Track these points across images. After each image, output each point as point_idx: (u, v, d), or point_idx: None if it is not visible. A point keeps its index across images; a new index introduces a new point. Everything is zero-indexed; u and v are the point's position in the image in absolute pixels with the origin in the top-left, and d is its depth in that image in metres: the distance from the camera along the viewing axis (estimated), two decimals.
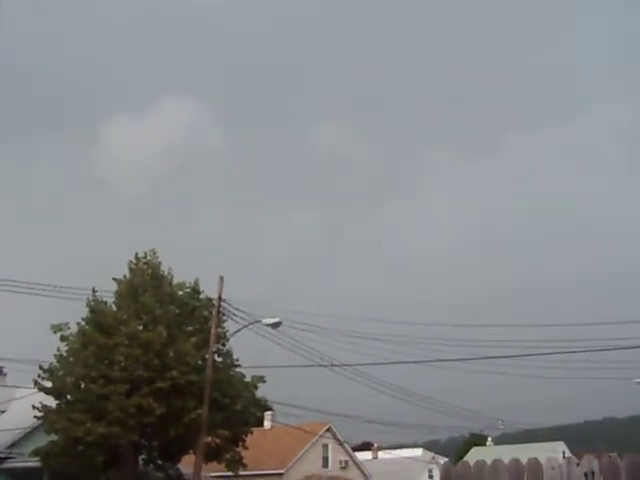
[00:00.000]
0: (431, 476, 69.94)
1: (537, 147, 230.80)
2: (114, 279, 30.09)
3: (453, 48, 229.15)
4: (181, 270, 31.62)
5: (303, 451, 53.73)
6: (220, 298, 30.11)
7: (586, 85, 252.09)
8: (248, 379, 30.75)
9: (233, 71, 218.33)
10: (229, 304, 30.19)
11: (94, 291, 29.43)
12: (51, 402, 28.78)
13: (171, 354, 28.05)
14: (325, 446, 57.08)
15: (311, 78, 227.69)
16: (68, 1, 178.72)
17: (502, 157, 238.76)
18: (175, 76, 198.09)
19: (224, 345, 30.62)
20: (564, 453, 67.20)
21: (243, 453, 31.32)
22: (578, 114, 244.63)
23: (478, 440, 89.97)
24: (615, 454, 7.70)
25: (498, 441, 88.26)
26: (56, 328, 28.45)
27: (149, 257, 30.60)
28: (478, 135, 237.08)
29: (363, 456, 69.20)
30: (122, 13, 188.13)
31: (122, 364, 27.45)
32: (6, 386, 36.10)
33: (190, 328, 30.31)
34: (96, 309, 29.18)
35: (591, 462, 7.72)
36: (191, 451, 30.27)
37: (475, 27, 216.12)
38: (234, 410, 29.90)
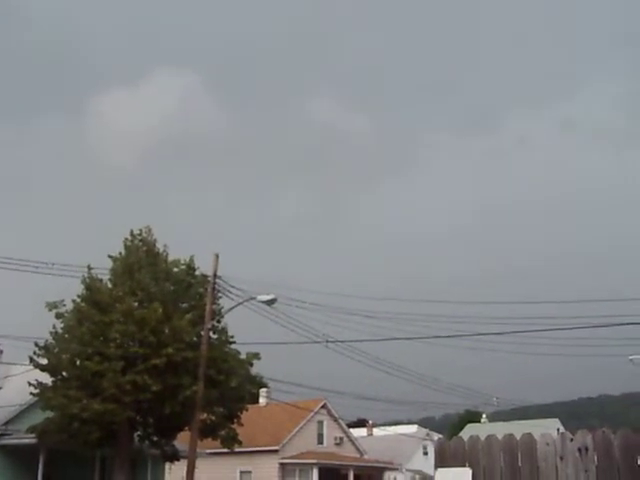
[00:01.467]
0: (426, 452, 70.31)
1: (536, 123, 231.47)
2: (109, 256, 30.05)
3: (454, 25, 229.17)
4: (176, 244, 31.67)
5: (298, 428, 53.98)
6: (215, 275, 30.11)
7: (585, 61, 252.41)
8: (243, 356, 30.80)
9: (230, 42, 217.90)
10: (224, 281, 30.22)
11: (89, 268, 29.41)
12: (47, 379, 28.81)
13: (166, 331, 28.05)
14: (320, 423, 57.34)
15: (311, 50, 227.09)
16: None
17: (502, 134, 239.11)
18: (170, 48, 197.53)
19: (219, 322, 30.64)
20: (559, 430, 67.49)
21: (238, 430, 31.43)
22: (577, 90, 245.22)
23: (473, 417, 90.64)
24: (609, 430, 7.72)
25: (493, 418, 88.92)
26: (51, 305, 28.45)
27: (144, 234, 30.57)
28: (478, 112, 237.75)
29: (358, 433, 69.52)
30: None
31: (117, 341, 27.46)
32: (2, 363, 36.09)
33: (185, 305, 30.32)
34: (91, 286, 29.15)
35: (585, 437, 7.74)
36: (186, 428, 30.34)
37: (476, 3, 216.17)
38: (229, 387, 29.93)
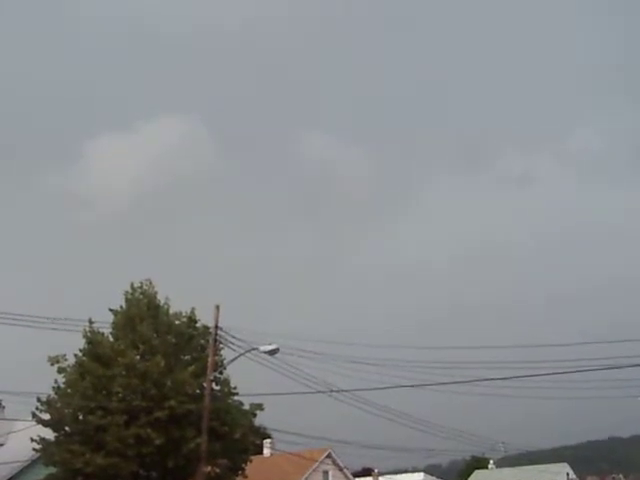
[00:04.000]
0: None
1: (534, 160, 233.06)
2: (110, 310, 30.07)
3: (453, 63, 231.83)
4: (175, 292, 31.66)
5: (303, 478, 53.32)
6: (216, 326, 29.96)
7: (582, 99, 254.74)
8: (246, 407, 30.61)
9: (227, 83, 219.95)
10: (226, 332, 30.04)
11: (91, 322, 29.33)
12: (50, 435, 28.61)
13: (169, 383, 27.96)
14: (325, 473, 56.65)
15: (309, 89, 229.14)
16: (55, 17, 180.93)
17: (500, 171, 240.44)
18: (168, 91, 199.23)
19: (221, 373, 30.48)
20: (568, 475, 66.87)
21: None
22: (575, 127, 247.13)
23: (480, 463, 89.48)
24: (620, 476, 7.60)
25: (500, 464, 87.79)
26: (53, 360, 28.42)
27: (145, 287, 30.56)
28: (476, 149, 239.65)
29: None
30: (109, 30, 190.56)
31: (120, 395, 27.36)
32: (5, 419, 35.87)
33: (187, 357, 30.24)
34: (93, 340, 29.08)
35: None
36: None
37: (474, 40, 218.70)
38: (233, 439, 29.73)
